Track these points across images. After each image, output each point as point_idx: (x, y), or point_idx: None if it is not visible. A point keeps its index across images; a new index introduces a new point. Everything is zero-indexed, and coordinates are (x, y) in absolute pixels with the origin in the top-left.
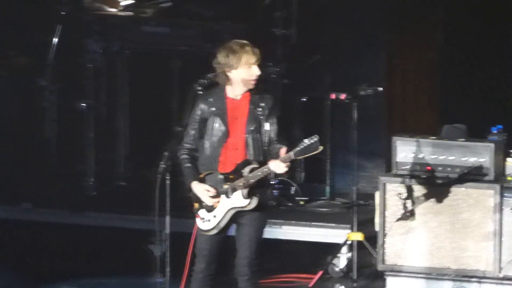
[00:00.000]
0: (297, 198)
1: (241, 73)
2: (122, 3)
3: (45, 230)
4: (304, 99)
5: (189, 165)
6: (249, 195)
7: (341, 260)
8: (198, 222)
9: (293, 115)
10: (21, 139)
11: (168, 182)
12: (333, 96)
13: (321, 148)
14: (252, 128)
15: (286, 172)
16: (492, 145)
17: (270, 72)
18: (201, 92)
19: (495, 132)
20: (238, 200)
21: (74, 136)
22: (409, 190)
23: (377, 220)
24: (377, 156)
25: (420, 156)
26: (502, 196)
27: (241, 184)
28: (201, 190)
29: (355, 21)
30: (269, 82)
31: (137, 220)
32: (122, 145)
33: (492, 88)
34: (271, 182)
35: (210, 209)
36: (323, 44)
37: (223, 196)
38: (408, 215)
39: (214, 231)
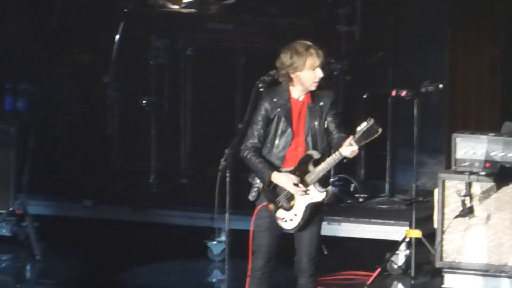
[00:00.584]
0: (356, 195)
1: (305, 76)
2: (186, 0)
3: (107, 227)
4: (366, 96)
5: (260, 159)
6: (324, 187)
7: (400, 257)
8: (280, 222)
9: (355, 112)
10: (84, 135)
11: (228, 179)
12: (393, 92)
13: (380, 130)
14: (311, 126)
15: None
16: None
17: (333, 68)
18: (263, 90)
19: None
20: (315, 194)
21: (137, 133)
22: (469, 187)
23: (436, 217)
24: (438, 152)
25: (480, 152)
26: None
27: (310, 179)
28: (284, 179)
29: (418, 18)
30: (332, 78)
31: (198, 218)
32: (184, 142)
33: None
34: (331, 179)
35: (288, 208)
36: (386, 41)
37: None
38: (467, 212)
39: (299, 229)
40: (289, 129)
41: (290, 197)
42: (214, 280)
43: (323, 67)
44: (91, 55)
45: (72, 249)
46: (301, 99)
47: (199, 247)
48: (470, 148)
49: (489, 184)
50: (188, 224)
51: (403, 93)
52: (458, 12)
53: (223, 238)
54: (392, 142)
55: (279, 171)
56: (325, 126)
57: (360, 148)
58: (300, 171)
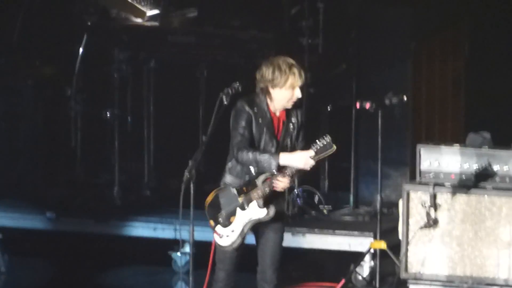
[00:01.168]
0: (320, 206)
1: (284, 94)
2: (148, 14)
3: (70, 239)
4: (330, 108)
5: (259, 151)
6: (265, 205)
7: (364, 269)
8: (217, 238)
9: (318, 124)
10: (47, 148)
11: (192, 191)
12: (357, 105)
13: (334, 147)
14: (284, 144)
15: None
16: None
17: None
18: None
19: None
20: (255, 211)
21: (100, 146)
22: (433, 198)
23: (400, 228)
24: (402, 164)
25: (444, 164)
26: None
27: (256, 194)
28: (298, 157)
29: (381, 30)
30: None
31: (162, 229)
32: (147, 154)
33: None
34: (295, 191)
35: (226, 224)
36: (349, 53)
37: (238, 210)
38: (432, 223)
39: (234, 246)
40: (274, 141)
41: (231, 213)
42: None
43: (302, 87)
44: (54, 68)
45: (36, 261)
46: (277, 113)
47: (164, 258)
48: (435, 159)
49: (453, 195)
50: (152, 236)
51: (367, 105)
52: (422, 24)
53: (187, 249)
54: (356, 154)
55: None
56: (296, 142)
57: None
58: (250, 187)
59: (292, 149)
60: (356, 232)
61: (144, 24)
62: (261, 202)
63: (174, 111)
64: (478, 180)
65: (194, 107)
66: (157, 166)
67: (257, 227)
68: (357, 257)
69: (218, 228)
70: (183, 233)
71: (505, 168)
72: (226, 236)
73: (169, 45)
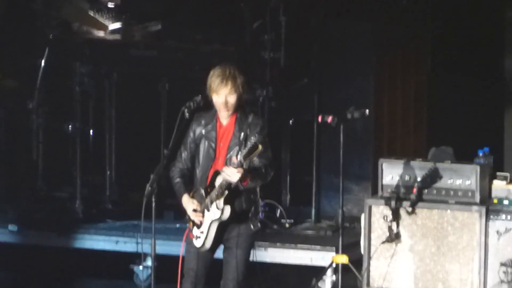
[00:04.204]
0: (282, 220)
1: (214, 99)
2: (111, 27)
3: (32, 252)
4: (291, 122)
5: (178, 180)
6: (223, 205)
7: (327, 283)
8: (193, 240)
9: (280, 137)
10: (8, 161)
11: (154, 204)
12: (319, 118)
13: (260, 146)
14: (231, 153)
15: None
16: (478, 167)
17: (258, 95)
18: (187, 115)
19: (482, 155)
20: (215, 212)
21: (62, 159)
22: (395, 212)
23: (362, 243)
24: (364, 178)
25: (407, 178)
26: (488, 218)
27: (214, 195)
28: (188, 204)
29: (343, 44)
30: (257, 104)
31: (124, 242)
32: (109, 167)
33: (479, 111)
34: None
35: (199, 225)
36: (311, 67)
37: (205, 211)
38: (394, 238)
39: (205, 247)
40: (212, 151)
41: (203, 214)
42: None
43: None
44: (15, 81)
45: None
46: (225, 123)
47: (126, 272)
48: (397, 174)
49: (416, 210)
50: (114, 249)
51: (329, 119)
52: (384, 39)
53: (149, 263)
54: (318, 168)
55: (197, 190)
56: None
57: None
58: (211, 187)
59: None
60: (318, 246)
61: (106, 38)
62: (220, 202)
63: (136, 125)
64: (440, 195)
65: (156, 121)
66: (119, 180)
67: (224, 239)
68: (319, 271)
69: (194, 229)
70: (145, 246)
71: (467, 182)
72: (198, 238)
73: (131, 59)
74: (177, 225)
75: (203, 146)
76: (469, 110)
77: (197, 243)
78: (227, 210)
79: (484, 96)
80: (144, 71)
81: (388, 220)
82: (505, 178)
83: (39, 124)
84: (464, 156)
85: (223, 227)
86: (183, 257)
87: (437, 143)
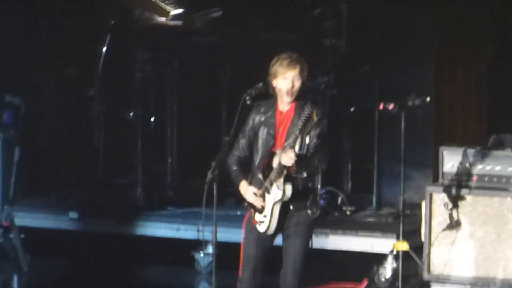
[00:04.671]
0: (343, 207)
1: (278, 84)
2: (172, 13)
3: (93, 240)
4: (353, 109)
5: (235, 168)
6: (283, 185)
7: (387, 270)
8: (257, 226)
9: (341, 125)
10: (70, 148)
11: (215, 192)
12: (381, 106)
13: (315, 114)
14: (290, 141)
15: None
16: None
17: (319, 82)
18: (249, 102)
19: None
20: (276, 193)
21: (123, 146)
22: (455, 200)
23: (423, 230)
24: (425, 166)
25: (467, 166)
26: None
27: (273, 176)
28: (246, 190)
29: (405, 32)
30: (318, 92)
31: (185, 230)
32: (170, 155)
33: None
34: (320, 193)
35: (261, 210)
36: (372, 54)
37: (266, 194)
38: (454, 225)
39: (270, 231)
40: (271, 139)
41: (262, 199)
42: None
43: (300, 79)
44: (77, 68)
45: (58, 261)
46: (285, 110)
47: (186, 259)
48: (457, 161)
49: (476, 197)
50: (175, 236)
51: (391, 107)
52: (444, 26)
53: (210, 250)
54: (379, 155)
55: (254, 176)
56: (305, 142)
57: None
58: (269, 170)
59: (303, 147)
60: (379, 233)
61: (167, 24)
62: (280, 182)
63: (197, 112)
64: (500, 182)
65: (217, 108)
66: (180, 167)
67: (285, 227)
68: (380, 258)
69: (257, 215)
70: (206, 233)
71: None
72: (262, 222)
73: (192, 46)
74: (238, 212)
75: (261, 133)
76: None
77: (261, 227)
78: (289, 188)
79: None
80: (205, 58)
81: (449, 208)
82: None
83: (100, 111)
84: None
85: (285, 211)
86: (242, 245)
87: (498, 130)
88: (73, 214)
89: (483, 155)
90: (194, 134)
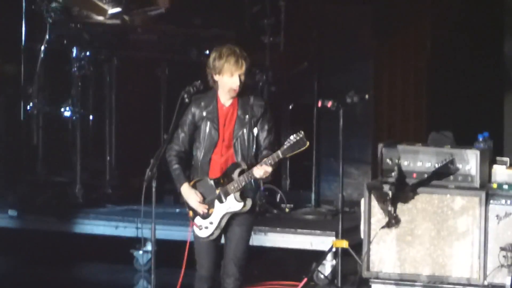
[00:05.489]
0: (282, 205)
1: (223, 81)
2: (110, 12)
3: (32, 237)
4: (291, 107)
5: (177, 166)
6: (242, 198)
7: (326, 267)
8: (196, 229)
9: (279, 122)
10: (8, 146)
11: (154, 189)
12: (319, 103)
13: (307, 143)
14: (238, 134)
15: (271, 176)
16: (478, 152)
17: (257, 79)
18: (187, 100)
19: (481, 139)
20: (232, 203)
21: (62, 144)
22: (395, 197)
23: (362, 227)
24: (364, 163)
25: (406, 163)
26: (487, 203)
27: (233, 187)
28: (190, 195)
29: (343, 29)
30: (256, 89)
31: (124, 227)
32: (109, 152)
33: (479, 96)
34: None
35: (205, 215)
36: (311, 51)
37: (216, 202)
38: (394, 222)
39: (214, 237)
40: (215, 133)
41: (209, 205)
42: None
43: (245, 75)
44: (14, 66)
45: None
46: (227, 104)
47: (125, 257)
48: (396, 158)
49: (415, 194)
50: (114, 234)
51: (329, 104)
52: (383, 23)
53: (149, 248)
54: (318, 152)
55: (201, 180)
56: (254, 134)
57: (281, 160)
58: (226, 179)
59: (251, 141)
60: (318, 231)
61: (105, 22)
62: (238, 195)
63: (135, 110)
64: (440, 179)
65: (155, 106)
66: (119, 164)
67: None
68: (319, 255)
69: (197, 219)
70: (145, 231)
71: (467, 167)
72: (205, 228)
73: (130, 44)
74: (177, 210)
75: (204, 127)
76: (469, 95)
77: (203, 233)
78: (249, 203)
79: (484, 81)
80: (144, 56)
81: (388, 205)
82: (504, 163)
83: (38, 109)
84: (464, 141)
85: (232, 216)
86: (190, 244)
87: (437, 127)
88: (12, 212)
89: (422, 152)
90: (133, 131)
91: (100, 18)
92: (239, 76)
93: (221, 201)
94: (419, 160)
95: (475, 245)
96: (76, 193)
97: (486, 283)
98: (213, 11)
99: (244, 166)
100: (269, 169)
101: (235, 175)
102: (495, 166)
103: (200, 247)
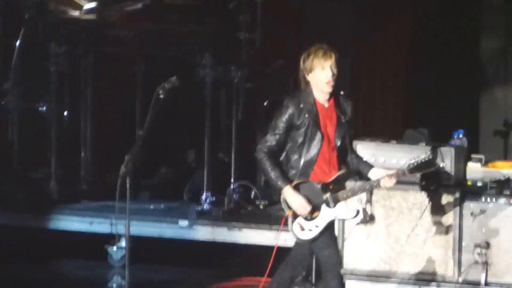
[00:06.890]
0: (257, 201)
1: (315, 76)
2: (86, 7)
3: (6, 232)
4: (266, 103)
5: (275, 167)
6: (354, 207)
7: None
8: (296, 230)
9: (255, 119)
10: None
11: (128, 185)
12: None
13: (437, 165)
14: (340, 137)
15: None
16: (453, 149)
17: (233, 76)
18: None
19: (456, 137)
20: (343, 211)
21: (37, 140)
22: (370, 194)
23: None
24: None
25: (381, 160)
26: (462, 200)
27: (345, 195)
28: (296, 199)
29: (321, 26)
30: (232, 85)
31: (99, 223)
32: (84, 149)
33: (454, 93)
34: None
35: (309, 218)
36: (287, 48)
37: (324, 206)
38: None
39: (313, 240)
40: (319, 134)
41: (315, 208)
42: (114, 285)
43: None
44: None
45: None
46: (326, 105)
47: (100, 253)
48: (371, 155)
49: (390, 191)
50: (88, 230)
51: None
52: (361, 20)
53: (123, 244)
54: None
55: (305, 182)
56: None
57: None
58: (337, 186)
59: (350, 143)
60: None
61: (81, 18)
62: (352, 203)
63: (111, 106)
64: (415, 176)
65: (131, 102)
66: (93, 160)
67: None
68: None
69: (302, 220)
70: (119, 227)
71: (442, 164)
72: (309, 230)
73: (107, 39)
74: (151, 206)
75: (305, 131)
76: (445, 92)
77: (306, 235)
78: (361, 213)
79: (460, 79)
80: (120, 52)
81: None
82: (479, 160)
83: (14, 105)
84: (439, 138)
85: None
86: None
87: (413, 125)
88: None
89: (397, 149)
90: (108, 127)
91: (76, 13)
92: (331, 67)
93: (329, 206)
94: (394, 157)
95: (450, 242)
96: (51, 188)
97: (460, 280)
98: (189, 7)
99: (356, 176)
100: (394, 181)
101: (350, 184)
102: (470, 164)
103: (299, 247)
